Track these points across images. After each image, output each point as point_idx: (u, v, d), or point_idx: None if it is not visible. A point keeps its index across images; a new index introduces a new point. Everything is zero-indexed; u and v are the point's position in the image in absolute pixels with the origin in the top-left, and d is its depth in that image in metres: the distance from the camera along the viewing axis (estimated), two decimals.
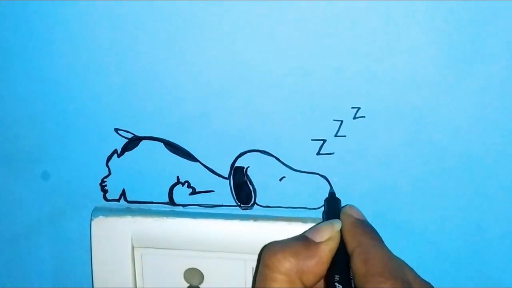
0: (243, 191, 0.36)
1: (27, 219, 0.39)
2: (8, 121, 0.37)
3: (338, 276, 0.29)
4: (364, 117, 0.34)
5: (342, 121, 0.34)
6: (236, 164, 0.36)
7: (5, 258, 0.40)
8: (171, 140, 0.36)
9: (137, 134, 0.36)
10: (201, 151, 0.36)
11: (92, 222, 0.37)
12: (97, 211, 0.38)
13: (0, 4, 0.34)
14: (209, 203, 0.37)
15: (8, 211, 0.39)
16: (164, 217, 0.37)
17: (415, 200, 0.35)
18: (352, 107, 0.34)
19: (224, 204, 0.37)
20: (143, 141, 0.36)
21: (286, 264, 0.29)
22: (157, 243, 0.37)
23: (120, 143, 0.36)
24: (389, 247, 0.35)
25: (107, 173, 0.37)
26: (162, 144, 0.36)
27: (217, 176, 0.36)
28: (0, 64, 0.35)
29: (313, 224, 0.35)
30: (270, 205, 0.37)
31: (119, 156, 0.37)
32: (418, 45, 0.32)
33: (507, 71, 0.32)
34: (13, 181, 0.38)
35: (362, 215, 0.33)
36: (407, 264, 0.31)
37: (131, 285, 0.38)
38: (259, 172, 0.36)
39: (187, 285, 0.38)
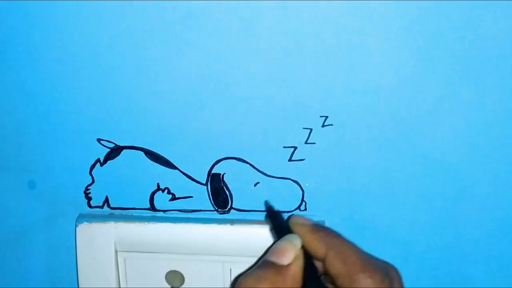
0: (220, 196, 0.38)
1: (14, 226, 0.40)
2: None
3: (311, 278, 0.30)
4: (332, 125, 0.36)
5: (311, 129, 0.36)
6: (213, 171, 0.38)
7: None
8: (151, 149, 0.38)
9: (118, 144, 0.38)
10: (180, 159, 0.38)
11: (77, 228, 0.39)
12: (81, 218, 0.39)
13: None
14: (188, 208, 0.39)
15: None
16: (146, 222, 0.39)
17: (381, 202, 0.37)
18: (321, 116, 0.35)
19: (202, 209, 0.39)
20: (125, 150, 0.38)
21: None
22: (139, 247, 0.39)
23: (102, 152, 0.38)
24: None
25: (90, 181, 0.39)
26: (142, 153, 0.38)
27: (195, 183, 0.38)
28: None
29: None
30: (246, 209, 0.38)
31: (101, 165, 0.38)
32: (386, 56, 0.34)
33: (477, 71, 0.34)
34: (0, 189, 0.40)
35: (314, 222, 0.32)
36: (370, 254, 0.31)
37: (115, 287, 0.39)
38: (235, 178, 0.38)
39: (169, 287, 0.40)
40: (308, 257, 0.31)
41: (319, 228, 0.32)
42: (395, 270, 0.30)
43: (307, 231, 0.31)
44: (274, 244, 0.31)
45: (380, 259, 0.31)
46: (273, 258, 0.30)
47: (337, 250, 0.30)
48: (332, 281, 0.30)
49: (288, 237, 0.31)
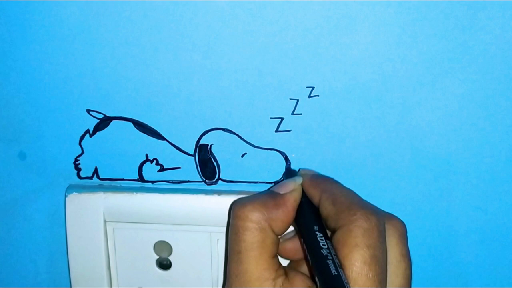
0: (207, 167, 0.39)
1: (4, 197, 0.41)
2: None
3: (317, 226, 0.31)
4: (318, 96, 0.36)
5: (298, 100, 0.36)
6: (201, 142, 0.38)
7: None
8: (139, 120, 0.38)
9: (107, 115, 0.38)
10: (168, 130, 0.38)
11: (66, 199, 0.39)
12: (71, 188, 0.39)
13: None
14: (176, 179, 0.39)
15: None
16: (134, 193, 0.39)
17: (368, 174, 0.38)
18: (307, 87, 0.36)
19: (190, 180, 0.39)
20: (114, 121, 0.38)
21: (255, 213, 0.31)
22: (128, 217, 0.39)
23: (92, 123, 0.38)
24: None
25: (80, 152, 0.39)
26: (131, 123, 0.38)
27: (183, 154, 0.38)
28: None
29: None
30: (233, 180, 0.39)
31: (91, 135, 0.39)
32: (372, 25, 0.34)
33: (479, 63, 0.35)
34: None
35: (317, 173, 0.35)
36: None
37: (104, 257, 0.40)
38: (222, 149, 0.38)
39: (157, 257, 0.40)
40: (305, 196, 0.33)
41: (320, 176, 0.34)
42: (395, 218, 0.30)
43: (309, 177, 0.33)
44: (280, 182, 0.35)
45: (378, 208, 0.31)
46: (273, 188, 0.33)
47: (328, 193, 0.31)
48: (326, 225, 0.31)
49: (293, 178, 0.34)
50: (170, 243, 0.40)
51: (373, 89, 0.36)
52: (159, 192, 0.39)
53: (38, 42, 0.36)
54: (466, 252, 0.39)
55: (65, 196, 0.39)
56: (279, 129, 0.37)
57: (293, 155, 0.38)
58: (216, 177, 0.39)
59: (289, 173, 0.37)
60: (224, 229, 0.39)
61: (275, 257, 0.31)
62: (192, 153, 0.38)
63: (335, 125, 0.37)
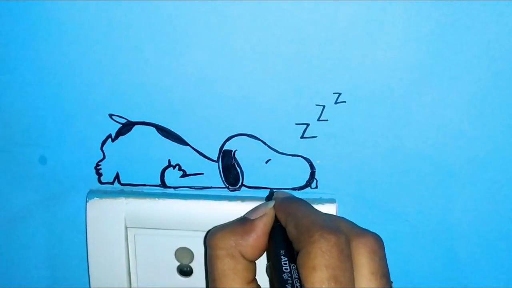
0: (231, 173, 0.38)
1: (25, 201, 0.41)
2: (5, 107, 0.38)
3: (283, 250, 0.30)
4: (345, 102, 0.36)
5: (324, 106, 0.36)
6: (225, 148, 0.38)
7: (4, 240, 0.42)
8: (162, 125, 0.38)
9: (130, 119, 0.38)
10: (191, 135, 0.38)
11: (87, 204, 0.39)
12: (92, 194, 0.39)
13: None
14: (198, 185, 0.39)
15: (7, 194, 0.41)
16: (156, 199, 0.39)
17: (393, 182, 0.37)
18: (334, 93, 0.36)
19: (213, 186, 0.39)
20: (136, 126, 0.38)
21: (225, 241, 0.31)
22: (149, 223, 0.39)
23: (114, 128, 0.38)
24: (369, 227, 0.37)
25: (101, 157, 0.39)
26: (154, 129, 0.38)
27: (206, 159, 0.38)
28: None
29: None
30: (257, 186, 0.38)
31: (113, 140, 0.38)
32: (400, 33, 0.34)
33: (492, 66, 0.34)
34: (12, 165, 0.40)
35: (292, 195, 0.35)
36: (344, 219, 0.32)
37: (125, 263, 0.40)
38: (247, 155, 0.38)
39: (178, 263, 0.40)
40: (278, 224, 0.32)
41: (289, 199, 0.34)
42: (366, 235, 0.30)
43: (279, 200, 0.33)
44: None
45: (346, 220, 0.32)
46: (245, 214, 0.33)
47: (292, 215, 0.31)
48: (293, 247, 0.30)
49: (266, 202, 0.34)
50: (192, 250, 0.40)
51: (401, 96, 0.35)
52: (181, 198, 0.39)
53: (60, 47, 0.36)
54: (469, 253, 0.39)
55: (86, 201, 0.39)
56: (304, 135, 0.37)
57: (318, 162, 0.37)
58: (240, 183, 0.38)
59: (271, 197, 0.37)
60: None
61: (251, 282, 0.31)
62: (215, 159, 0.38)
63: (362, 132, 0.36)
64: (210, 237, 0.32)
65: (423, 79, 0.35)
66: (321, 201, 0.37)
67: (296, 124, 0.37)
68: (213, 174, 0.38)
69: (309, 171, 0.37)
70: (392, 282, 0.31)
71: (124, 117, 0.38)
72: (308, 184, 0.38)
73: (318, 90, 0.36)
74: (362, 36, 0.34)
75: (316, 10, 0.34)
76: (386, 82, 0.35)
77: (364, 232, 0.30)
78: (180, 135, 0.38)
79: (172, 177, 0.39)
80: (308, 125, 0.36)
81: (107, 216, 0.39)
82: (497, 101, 0.35)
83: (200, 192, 0.39)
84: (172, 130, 0.38)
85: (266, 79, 0.36)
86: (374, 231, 0.31)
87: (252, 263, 0.32)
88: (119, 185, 0.40)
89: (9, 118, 0.39)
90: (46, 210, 0.41)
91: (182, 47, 0.35)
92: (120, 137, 0.38)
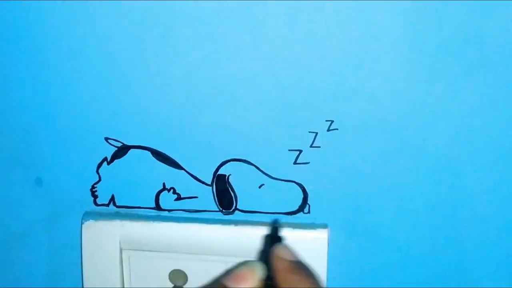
0: (225, 197, 0.39)
1: (21, 222, 0.41)
2: (2, 129, 0.39)
3: None
4: (337, 129, 0.36)
5: (317, 133, 0.36)
6: (219, 172, 0.38)
7: None
8: (158, 149, 0.38)
9: (126, 143, 0.38)
10: (186, 160, 0.38)
11: (83, 226, 0.39)
12: (87, 215, 0.40)
13: None
14: (193, 209, 0.39)
15: (3, 215, 0.41)
16: (151, 221, 0.39)
17: (385, 207, 0.38)
18: (326, 120, 0.36)
19: (207, 209, 0.39)
20: (132, 150, 0.38)
21: None
22: (144, 245, 0.39)
23: (110, 151, 0.39)
24: (361, 252, 0.38)
25: (97, 179, 0.39)
26: (149, 152, 0.38)
27: (200, 183, 0.39)
28: None
29: (289, 229, 0.37)
30: (250, 211, 0.39)
31: (108, 163, 0.39)
32: (394, 63, 0.34)
33: (482, 81, 0.35)
34: (7, 186, 0.40)
35: (296, 255, 0.30)
36: None
37: (119, 285, 0.40)
38: (240, 180, 0.38)
39: (172, 285, 0.40)
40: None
41: (296, 269, 0.28)
42: None
43: (283, 267, 0.29)
44: (236, 269, 0.29)
45: None
46: (228, 282, 0.28)
47: None
48: None
49: (252, 263, 0.29)
50: (186, 272, 0.40)
51: (393, 124, 0.36)
52: (176, 221, 0.39)
53: (58, 68, 0.37)
54: (463, 283, 0.39)
55: (82, 223, 0.39)
56: (297, 161, 0.37)
57: (311, 187, 0.38)
58: (233, 207, 0.39)
59: (274, 232, 0.34)
60: (240, 259, 0.39)
61: None
62: (209, 183, 0.38)
63: (354, 159, 0.37)
64: None
65: (416, 108, 0.35)
66: (313, 226, 0.38)
67: (289, 150, 0.37)
68: (207, 198, 0.39)
69: (302, 196, 0.38)
70: None
71: (120, 140, 0.38)
72: (300, 209, 0.38)
73: (311, 117, 0.36)
74: (356, 65, 0.35)
75: (311, 38, 0.34)
76: (379, 110, 0.35)
77: None
78: (175, 159, 0.38)
79: (167, 200, 0.39)
80: (301, 151, 0.37)
81: (102, 238, 0.39)
82: (498, 137, 0.36)
83: (194, 216, 0.39)
84: (167, 154, 0.38)
85: (260, 106, 0.36)
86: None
87: None
88: (114, 207, 0.40)
89: (5, 139, 0.39)
90: (41, 231, 0.41)
91: (179, 73, 0.36)
92: (116, 160, 0.39)
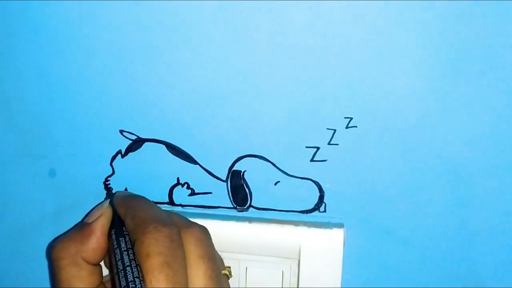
0: (239, 193, 0.38)
1: (33, 214, 0.41)
2: (17, 120, 0.39)
3: (122, 239, 0.32)
4: (356, 127, 0.35)
5: (335, 130, 0.36)
6: (234, 168, 0.38)
7: (10, 253, 0.42)
8: (173, 143, 0.38)
9: (140, 136, 0.38)
10: (201, 154, 0.38)
11: None
12: None
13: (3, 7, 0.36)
14: (206, 204, 0.39)
15: (15, 207, 0.41)
16: None
17: (402, 207, 0.37)
18: (345, 117, 0.35)
19: (221, 205, 0.39)
20: (146, 143, 0.38)
21: (66, 250, 0.32)
22: None
23: (124, 144, 0.38)
24: (377, 252, 0.37)
25: (111, 172, 0.39)
26: (164, 146, 0.38)
27: (215, 179, 0.38)
28: (8, 65, 0.37)
29: (304, 227, 0.37)
30: (265, 208, 0.38)
31: (123, 156, 0.38)
32: (414, 60, 0.34)
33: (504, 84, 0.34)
34: (20, 177, 0.40)
35: (133, 193, 0.37)
36: (177, 214, 0.35)
37: None
38: (256, 176, 0.38)
39: None
40: (117, 218, 0.34)
41: (129, 195, 0.36)
42: (192, 226, 0.33)
43: (119, 198, 0.35)
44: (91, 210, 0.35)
45: (179, 215, 0.34)
46: (84, 219, 0.35)
47: (131, 209, 0.33)
48: (130, 240, 0.32)
49: (100, 203, 0.36)
50: None
51: (413, 122, 0.35)
52: (189, 217, 0.38)
53: (73, 62, 0.37)
54: (481, 282, 0.38)
55: None
56: (314, 159, 0.36)
57: (328, 186, 0.37)
58: (248, 204, 0.38)
59: (108, 197, 0.38)
60: (254, 257, 0.38)
61: (99, 286, 0.33)
62: (224, 178, 0.38)
63: (372, 157, 0.36)
64: (51, 249, 0.32)
65: (436, 106, 0.35)
66: (329, 225, 0.37)
67: (306, 147, 0.36)
68: (221, 194, 0.38)
69: (318, 194, 0.37)
70: (228, 267, 0.35)
71: (135, 133, 0.38)
72: (316, 207, 0.38)
73: (330, 114, 0.35)
74: (376, 62, 0.34)
75: (330, 34, 0.34)
76: (399, 108, 0.35)
77: (192, 224, 0.33)
78: (190, 153, 0.38)
79: (181, 195, 0.39)
80: (318, 148, 0.36)
81: None
82: None
83: (207, 212, 0.39)
84: (182, 148, 0.38)
85: (278, 101, 0.36)
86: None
87: (97, 266, 0.33)
88: None
89: (20, 130, 0.39)
90: (54, 223, 0.41)
91: (195, 66, 0.35)
92: (130, 153, 0.38)
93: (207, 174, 0.38)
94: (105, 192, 0.39)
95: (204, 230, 0.33)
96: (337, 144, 0.36)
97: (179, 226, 0.32)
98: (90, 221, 0.34)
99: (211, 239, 0.33)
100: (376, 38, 0.33)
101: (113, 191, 0.39)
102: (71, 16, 0.35)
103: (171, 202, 0.39)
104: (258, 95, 0.36)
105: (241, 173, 0.38)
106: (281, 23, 0.34)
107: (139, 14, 0.35)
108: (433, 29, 0.33)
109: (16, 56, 0.37)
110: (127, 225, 0.32)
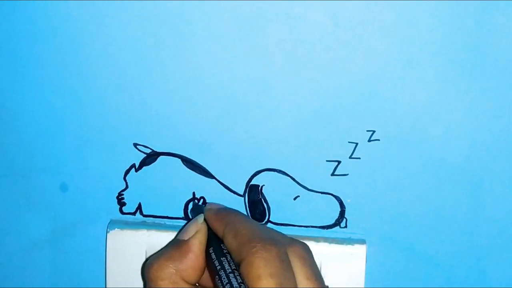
0: (257, 208, 0.37)
1: (44, 228, 0.40)
2: (30, 132, 0.38)
3: (224, 259, 0.30)
4: (378, 140, 0.35)
5: (357, 144, 0.35)
6: (252, 182, 0.37)
7: (21, 267, 0.41)
8: (188, 156, 0.37)
9: (155, 150, 0.37)
10: (218, 169, 0.37)
11: (108, 235, 0.38)
12: (113, 224, 0.38)
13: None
14: None
15: (27, 220, 0.40)
16: None
17: (424, 223, 0.36)
18: (367, 130, 0.34)
19: None
20: (161, 157, 0.37)
21: (164, 271, 0.30)
22: None
23: (138, 157, 0.37)
24: (399, 269, 0.36)
25: (124, 186, 0.38)
26: (179, 160, 0.37)
27: (232, 193, 0.37)
28: (19, 79, 0.36)
29: (325, 244, 0.36)
30: (284, 223, 0.37)
31: (136, 170, 0.38)
32: (435, 72, 0.33)
33: None
34: (32, 191, 0.39)
35: (224, 206, 0.34)
36: (274, 230, 0.32)
37: None
38: (274, 191, 0.37)
39: None
40: (212, 234, 0.32)
41: (224, 209, 0.33)
42: (295, 244, 0.30)
43: (213, 212, 0.33)
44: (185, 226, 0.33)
45: (280, 233, 0.31)
46: (178, 235, 0.33)
47: (231, 226, 0.31)
48: (232, 258, 0.30)
49: (194, 218, 0.33)
50: None
51: (436, 136, 0.34)
52: None
53: (86, 73, 0.36)
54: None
55: (107, 231, 0.38)
56: (335, 173, 0.36)
57: (349, 201, 0.36)
58: (266, 219, 0.37)
59: (196, 210, 0.36)
60: None
61: None
62: (241, 193, 0.37)
63: (395, 171, 0.35)
64: (148, 270, 0.31)
65: (462, 120, 0.34)
66: (350, 241, 0.36)
67: (327, 160, 0.35)
68: (239, 209, 0.37)
69: (339, 209, 0.36)
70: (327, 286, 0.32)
71: (149, 147, 0.37)
72: (337, 223, 0.37)
73: (351, 127, 0.35)
74: (400, 75, 0.33)
75: (352, 47, 0.33)
76: (422, 121, 0.34)
77: (294, 241, 0.31)
78: (206, 167, 0.37)
79: None
80: (339, 162, 0.35)
81: (128, 248, 0.38)
82: None
83: None
84: (198, 162, 0.37)
85: (298, 114, 0.35)
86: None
87: (194, 285, 0.31)
88: (141, 216, 0.39)
89: (31, 144, 0.38)
90: (65, 238, 0.40)
91: (210, 80, 0.35)
92: (144, 167, 0.38)
93: (224, 188, 0.37)
94: (118, 207, 0.39)
95: (306, 248, 0.31)
96: (359, 158, 0.35)
97: (284, 244, 0.30)
98: (186, 238, 0.32)
99: (313, 257, 0.31)
100: (400, 51, 0.33)
101: (199, 203, 0.38)
102: (85, 28, 0.35)
103: (186, 217, 0.38)
104: (277, 107, 0.35)
105: (259, 188, 0.37)
106: (302, 36, 0.33)
107: (160, 29, 0.34)
108: (458, 44, 0.32)
109: (29, 70, 0.36)
110: (229, 243, 0.30)
